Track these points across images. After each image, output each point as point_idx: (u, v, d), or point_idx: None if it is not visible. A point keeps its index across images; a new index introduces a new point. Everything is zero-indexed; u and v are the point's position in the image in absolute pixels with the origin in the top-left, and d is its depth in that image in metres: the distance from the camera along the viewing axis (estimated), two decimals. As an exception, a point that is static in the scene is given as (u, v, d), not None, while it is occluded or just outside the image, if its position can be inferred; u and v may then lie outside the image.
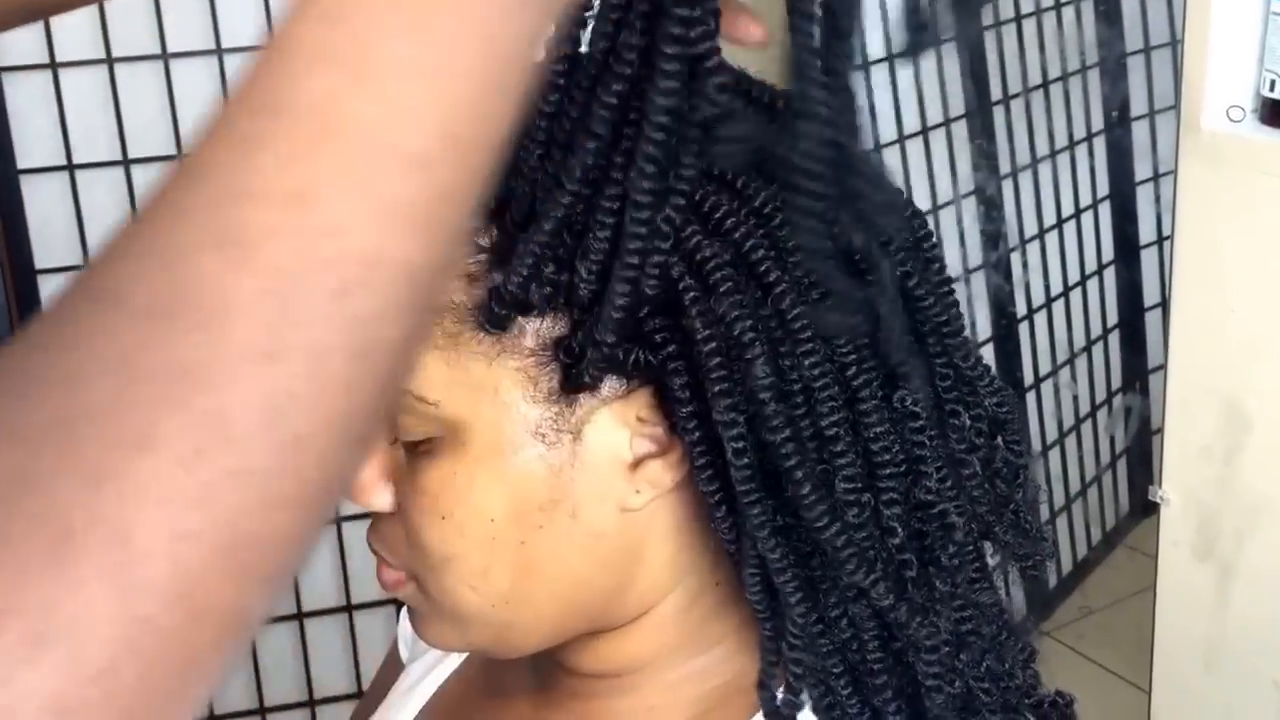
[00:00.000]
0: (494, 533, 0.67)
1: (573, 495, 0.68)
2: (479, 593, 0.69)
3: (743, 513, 0.66)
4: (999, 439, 0.72)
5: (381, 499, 0.70)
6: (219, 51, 2.00)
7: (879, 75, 2.44)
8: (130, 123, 2.00)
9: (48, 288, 2.00)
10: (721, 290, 0.63)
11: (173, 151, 2.00)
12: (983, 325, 2.70)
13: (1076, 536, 3.00)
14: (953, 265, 2.51)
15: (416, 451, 0.68)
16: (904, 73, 2.46)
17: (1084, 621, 2.90)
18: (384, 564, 0.72)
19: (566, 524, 0.68)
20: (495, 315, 0.65)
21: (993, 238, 2.59)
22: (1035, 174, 2.75)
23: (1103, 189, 2.93)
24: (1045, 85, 2.75)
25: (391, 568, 0.72)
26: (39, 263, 1.99)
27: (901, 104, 2.50)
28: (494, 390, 0.66)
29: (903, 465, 0.66)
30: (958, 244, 2.59)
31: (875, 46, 2.42)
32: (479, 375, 0.66)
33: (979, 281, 2.67)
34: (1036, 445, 2.83)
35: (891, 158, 2.47)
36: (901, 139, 2.51)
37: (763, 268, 0.64)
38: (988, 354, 2.71)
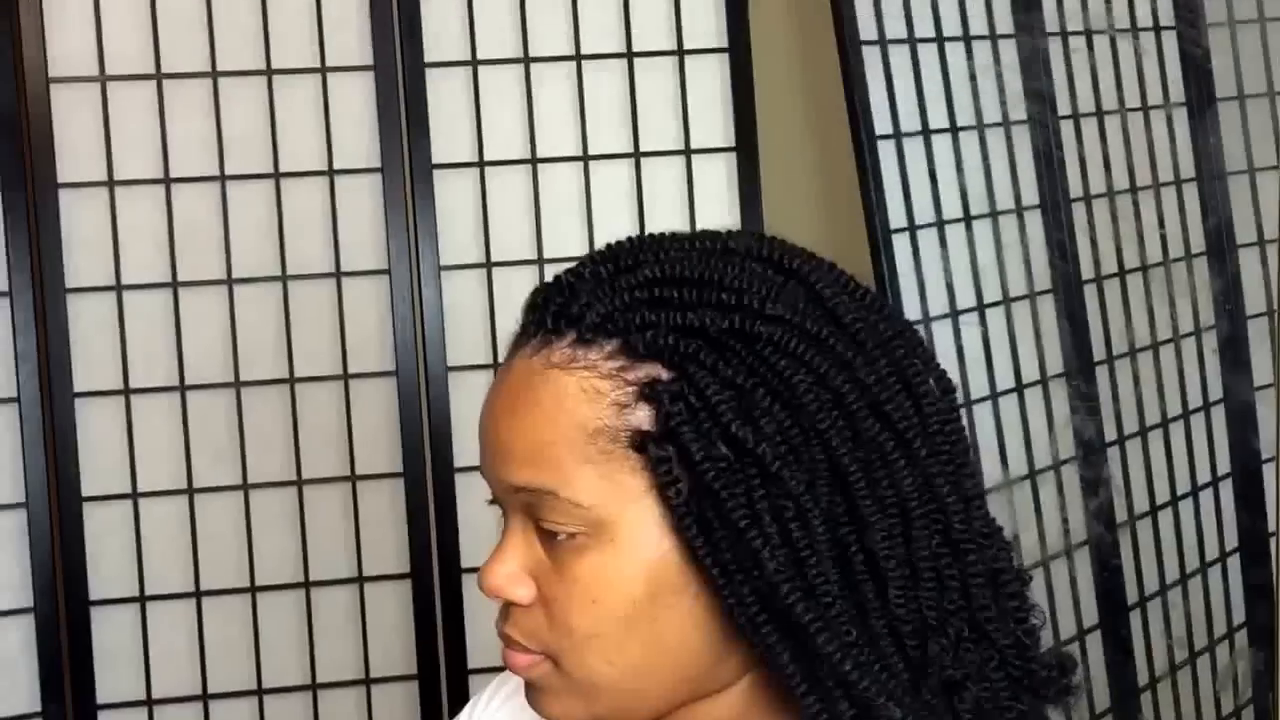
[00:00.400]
0: (634, 613, 0.81)
1: (697, 580, 0.81)
2: (615, 666, 0.82)
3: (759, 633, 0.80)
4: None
5: (523, 592, 0.83)
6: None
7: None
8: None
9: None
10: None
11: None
12: (1088, 609, 2.45)
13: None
14: (1053, 541, 2.32)
15: (565, 546, 0.81)
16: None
17: None
18: (515, 650, 0.84)
19: (690, 604, 0.81)
20: (642, 442, 0.80)
21: (1093, 485, 2.39)
22: (1145, 441, 2.55)
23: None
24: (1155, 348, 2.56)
25: (524, 652, 0.84)
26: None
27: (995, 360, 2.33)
28: (639, 496, 0.80)
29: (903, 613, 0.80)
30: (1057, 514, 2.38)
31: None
32: (627, 484, 0.80)
33: (1082, 559, 2.44)
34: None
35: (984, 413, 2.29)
36: (995, 395, 2.32)
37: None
38: (1095, 643, 2.47)
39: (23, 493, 1.94)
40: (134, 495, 2.01)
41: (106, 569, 2.00)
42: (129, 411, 2.01)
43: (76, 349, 2.00)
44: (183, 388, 2.03)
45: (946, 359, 2.28)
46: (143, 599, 2.01)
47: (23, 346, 1.95)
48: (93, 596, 1.99)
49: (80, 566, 1.97)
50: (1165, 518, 2.62)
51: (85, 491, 1.99)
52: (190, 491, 2.02)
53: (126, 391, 2.01)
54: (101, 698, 1.99)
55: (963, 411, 2.30)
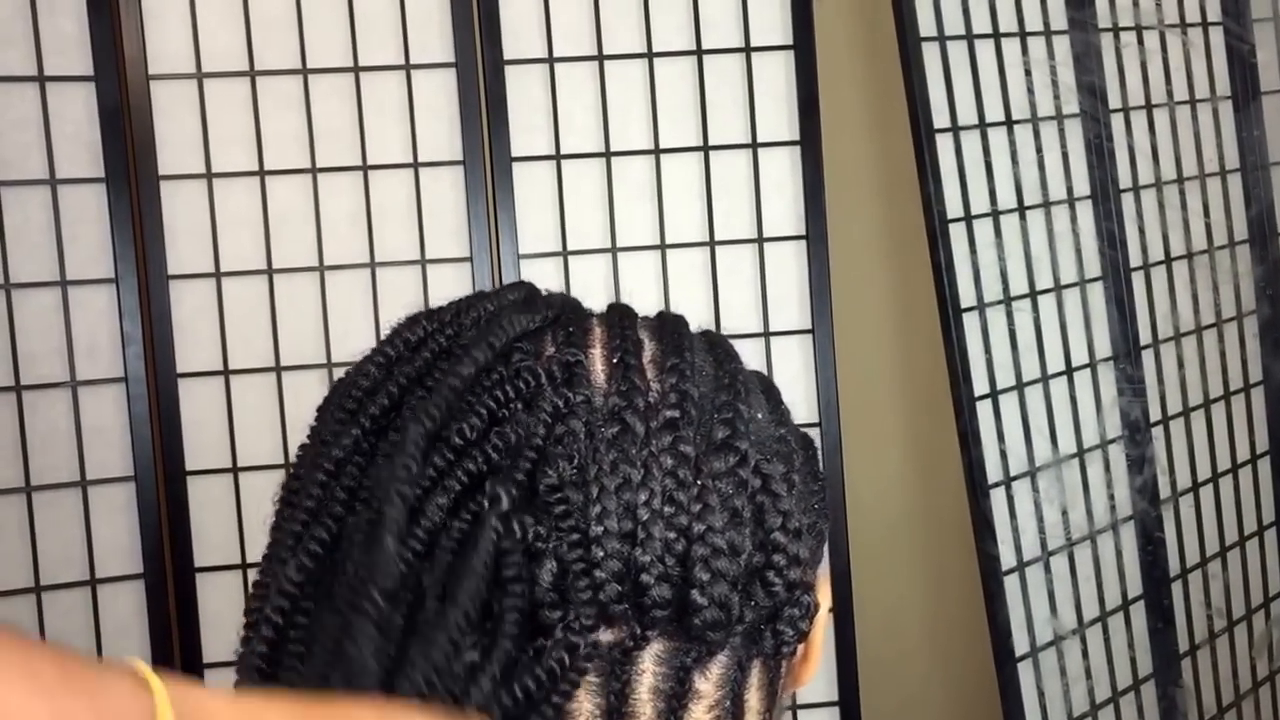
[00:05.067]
0: None
1: None
2: None
3: None
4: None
5: None
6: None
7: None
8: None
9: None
10: None
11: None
12: (1133, 580, 2.53)
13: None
14: (1100, 515, 2.39)
15: None
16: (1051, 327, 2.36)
17: None
18: None
19: None
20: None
21: (1139, 463, 2.46)
22: (1188, 421, 2.62)
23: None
24: (1198, 332, 2.64)
25: None
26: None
27: (1046, 344, 2.40)
28: None
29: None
30: (1104, 490, 2.45)
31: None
32: None
33: (1127, 532, 2.52)
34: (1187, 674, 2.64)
35: (1036, 396, 2.36)
36: (1045, 378, 2.40)
37: None
38: (1138, 613, 2.55)
39: (131, 466, 2.05)
40: (234, 469, 2.12)
41: (210, 538, 2.12)
42: (228, 391, 2.12)
43: (179, 332, 2.10)
44: (278, 368, 2.13)
45: (1000, 343, 2.36)
46: (244, 566, 2.12)
47: (129, 329, 2.05)
48: (198, 564, 2.10)
49: (186, 535, 2.09)
50: (1206, 494, 2.69)
51: (189, 466, 2.10)
52: (287, 466, 2.11)
53: (226, 372, 2.12)
54: (208, 658, 2.11)
55: (1015, 394, 2.39)
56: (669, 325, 0.76)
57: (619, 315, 0.76)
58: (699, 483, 0.68)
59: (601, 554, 0.66)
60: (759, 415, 0.73)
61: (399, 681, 0.63)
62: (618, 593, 0.67)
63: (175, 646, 2.08)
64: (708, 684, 0.70)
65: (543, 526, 0.66)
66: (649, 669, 0.69)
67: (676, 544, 0.67)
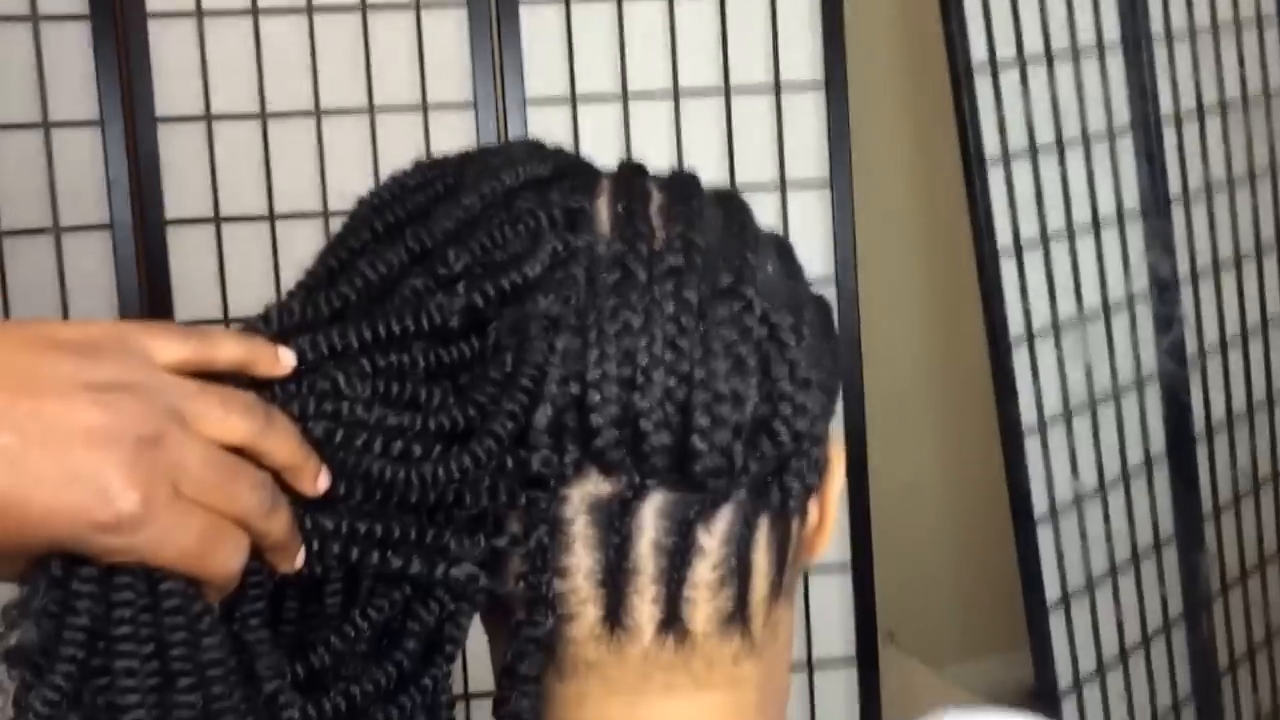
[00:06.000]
0: None
1: None
2: None
3: None
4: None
5: None
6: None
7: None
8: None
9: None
10: None
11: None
12: (1156, 441, 2.49)
13: (1260, 691, 2.76)
14: (1124, 374, 2.34)
15: None
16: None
17: None
18: None
19: None
20: None
21: (1166, 322, 2.41)
22: (1217, 279, 2.56)
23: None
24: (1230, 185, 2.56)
25: None
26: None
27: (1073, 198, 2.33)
28: None
29: None
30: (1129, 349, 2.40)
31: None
32: None
33: (1152, 392, 2.47)
34: (1215, 584, 2.61)
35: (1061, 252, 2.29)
36: (1072, 232, 2.33)
37: None
38: (1161, 475, 2.51)
39: (118, 319, 1.99)
40: (225, 322, 2.05)
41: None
42: (219, 240, 2.05)
43: (167, 177, 2.02)
44: (272, 217, 2.05)
45: (1025, 197, 2.29)
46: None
47: (114, 174, 1.97)
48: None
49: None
50: (1235, 353, 2.64)
51: (179, 319, 2.03)
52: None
53: (217, 220, 2.04)
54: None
55: (1040, 249, 2.32)
56: (679, 178, 0.74)
57: (629, 169, 0.75)
58: (702, 329, 0.67)
59: (598, 398, 0.66)
60: (769, 267, 0.72)
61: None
62: (615, 438, 0.66)
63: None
64: (712, 540, 0.68)
65: (523, 357, 0.66)
66: (650, 523, 0.67)
67: (677, 391, 0.66)
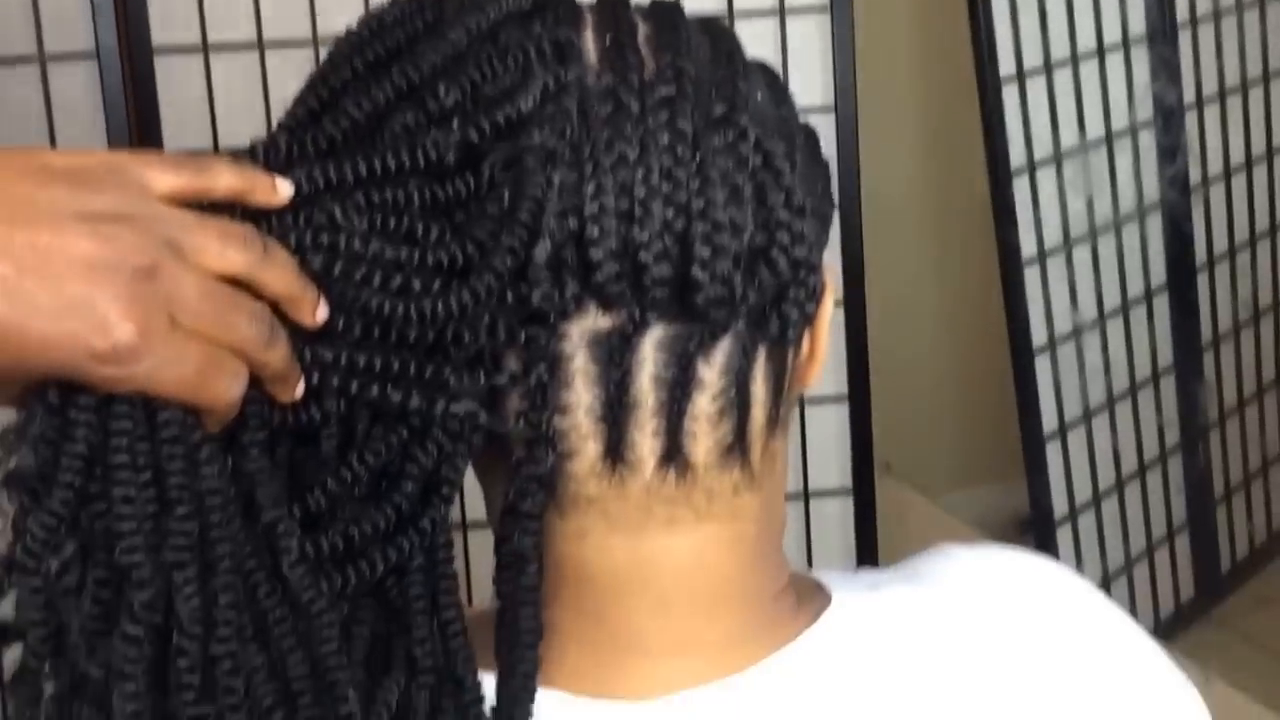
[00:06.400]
0: None
1: None
2: None
3: None
4: None
5: None
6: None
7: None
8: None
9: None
10: None
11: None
12: (1156, 272, 2.48)
13: (1255, 520, 2.80)
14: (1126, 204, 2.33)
15: None
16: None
17: (1260, 610, 2.73)
18: None
19: None
20: None
21: (1170, 151, 2.39)
22: (1223, 107, 2.53)
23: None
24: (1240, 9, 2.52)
25: None
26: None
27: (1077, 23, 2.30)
28: None
29: None
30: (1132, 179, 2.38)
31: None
32: None
33: (1154, 222, 2.46)
34: (1213, 414, 2.62)
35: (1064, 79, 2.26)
36: (1075, 59, 2.31)
37: None
38: (1161, 306, 2.50)
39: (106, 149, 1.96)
40: (215, 148, 2.02)
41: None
42: (208, 69, 2.00)
43: (153, 3, 1.97)
44: (261, 45, 2.00)
45: (1029, 21, 2.26)
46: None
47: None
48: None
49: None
50: (1239, 181, 2.62)
51: (168, 148, 2.00)
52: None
53: (205, 49, 1.99)
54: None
55: (1043, 76, 2.30)
56: (663, 7, 0.73)
57: (611, 0, 0.73)
58: (698, 159, 0.67)
59: (597, 232, 0.65)
60: (759, 95, 0.71)
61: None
62: (616, 271, 0.66)
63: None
64: (711, 371, 0.68)
65: (520, 190, 0.65)
66: (650, 356, 0.67)
67: (676, 222, 0.66)
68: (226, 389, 0.62)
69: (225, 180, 0.63)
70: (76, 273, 0.57)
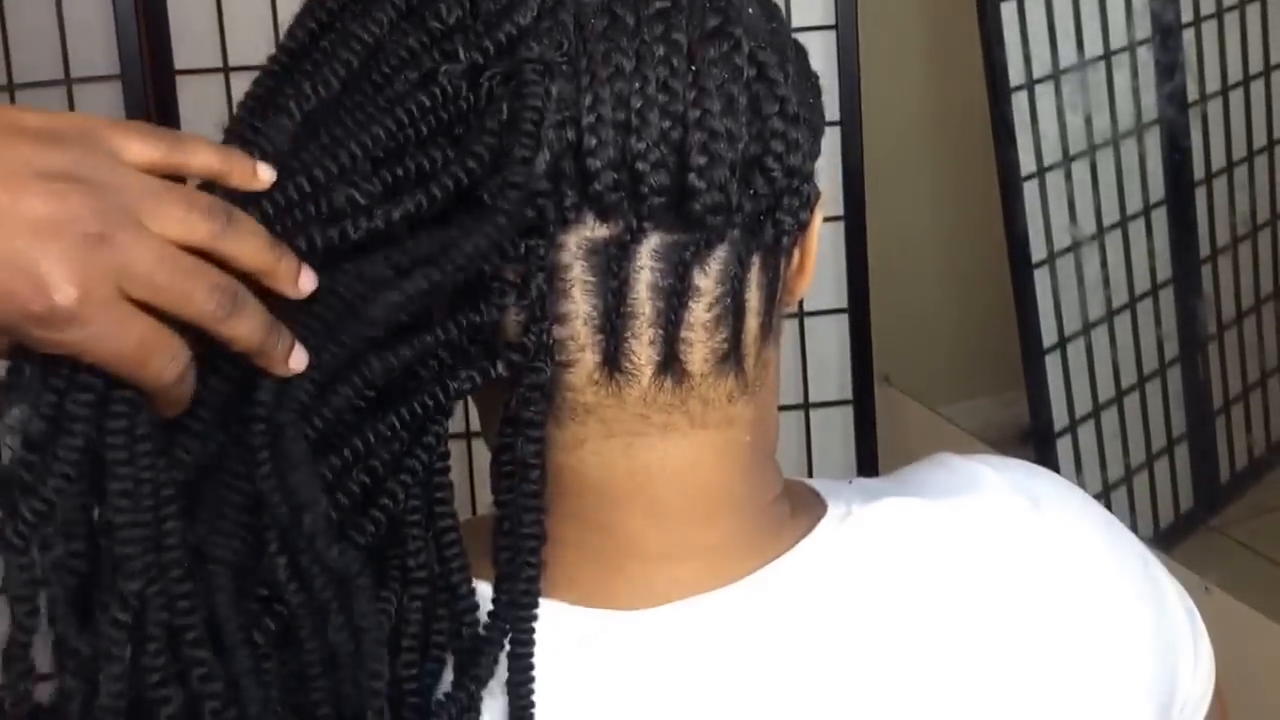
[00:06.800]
0: None
1: None
2: None
3: None
4: None
5: None
6: None
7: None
8: None
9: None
10: None
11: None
12: (1155, 187, 2.49)
13: (1254, 432, 2.81)
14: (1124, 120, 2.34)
15: None
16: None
17: (1259, 520, 2.73)
18: None
19: None
20: None
21: (1168, 68, 2.40)
22: (1221, 22, 2.53)
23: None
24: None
25: None
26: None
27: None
28: None
29: None
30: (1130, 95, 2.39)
31: None
32: None
33: (1152, 138, 2.47)
34: (1211, 327, 2.63)
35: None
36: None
37: None
38: (1160, 220, 2.52)
39: (118, 64, 1.98)
40: (225, 70, 2.03)
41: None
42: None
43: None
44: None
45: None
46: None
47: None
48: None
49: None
50: (1236, 97, 2.63)
51: (178, 65, 2.03)
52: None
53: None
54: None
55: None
56: None
57: None
58: (693, 69, 0.68)
59: (595, 142, 0.66)
60: (750, 9, 0.72)
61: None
62: (613, 181, 0.66)
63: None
64: (707, 280, 0.69)
65: (520, 100, 0.66)
66: (647, 265, 0.68)
67: (672, 131, 0.67)
68: (162, 368, 0.61)
69: (202, 158, 0.63)
70: (24, 230, 0.56)
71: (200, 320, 0.61)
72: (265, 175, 0.64)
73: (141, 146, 0.61)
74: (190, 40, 2.03)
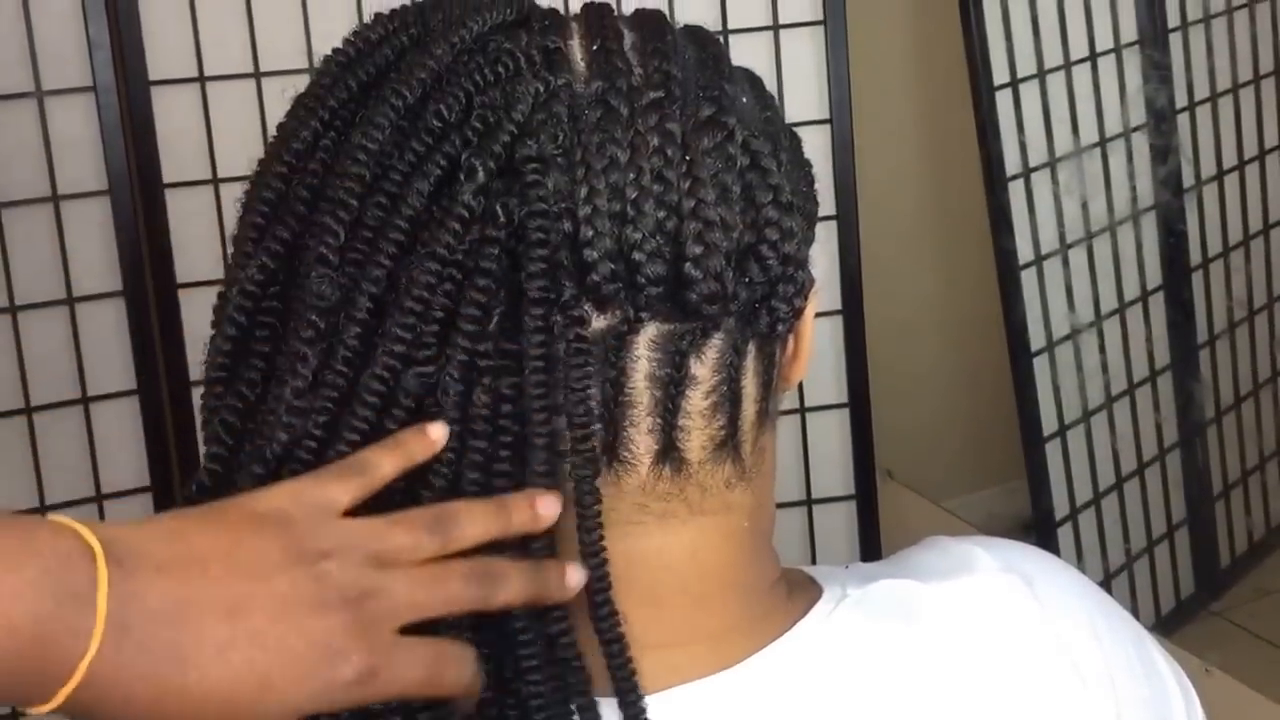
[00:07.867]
0: None
1: None
2: None
3: None
4: None
5: None
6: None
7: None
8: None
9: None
10: None
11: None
12: (1152, 273, 2.48)
13: (1254, 515, 2.81)
14: (1120, 207, 2.33)
15: None
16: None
17: (1259, 603, 2.73)
18: None
19: None
20: None
21: (1163, 153, 2.40)
22: (1215, 108, 2.53)
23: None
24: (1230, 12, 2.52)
25: None
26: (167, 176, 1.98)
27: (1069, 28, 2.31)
28: None
29: None
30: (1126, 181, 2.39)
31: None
32: None
33: (1148, 224, 2.46)
34: (1210, 412, 2.62)
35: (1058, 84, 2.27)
36: (1068, 64, 2.31)
37: None
38: (1157, 306, 2.51)
39: (106, 180, 1.96)
40: (214, 181, 2.02)
41: (191, 251, 2.02)
42: (205, 99, 1.99)
43: (149, 38, 1.95)
44: (257, 74, 2.00)
45: (1021, 28, 2.26)
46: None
47: (95, 34, 1.90)
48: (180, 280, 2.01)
49: (167, 251, 2.00)
50: (1231, 182, 2.63)
51: (166, 179, 2.00)
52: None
53: (201, 79, 1.98)
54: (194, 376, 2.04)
55: (1036, 82, 2.30)
56: (647, 15, 0.75)
57: (595, 9, 0.74)
58: (687, 159, 0.68)
59: (591, 234, 0.67)
60: (744, 98, 0.73)
61: (365, 380, 0.66)
62: (610, 272, 0.67)
63: (160, 366, 2.01)
64: (704, 368, 0.70)
65: (525, 205, 0.66)
66: (644, 355, 0.69)
67: (668, 221, 0.68)
68: (458, 674, 0.65)
69: (386, 470, 0.66)
70: (306, 613, 0.61)
71: (473, 608, 0.65)
72: (437, 435, 0.67)
73: (345, 490, 0.65)
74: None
